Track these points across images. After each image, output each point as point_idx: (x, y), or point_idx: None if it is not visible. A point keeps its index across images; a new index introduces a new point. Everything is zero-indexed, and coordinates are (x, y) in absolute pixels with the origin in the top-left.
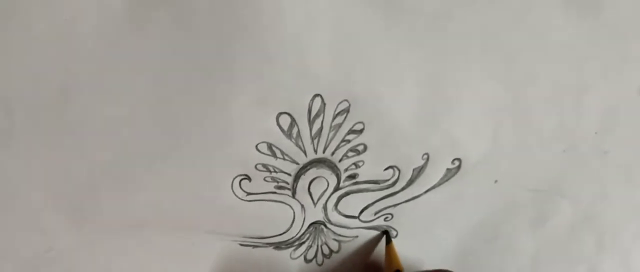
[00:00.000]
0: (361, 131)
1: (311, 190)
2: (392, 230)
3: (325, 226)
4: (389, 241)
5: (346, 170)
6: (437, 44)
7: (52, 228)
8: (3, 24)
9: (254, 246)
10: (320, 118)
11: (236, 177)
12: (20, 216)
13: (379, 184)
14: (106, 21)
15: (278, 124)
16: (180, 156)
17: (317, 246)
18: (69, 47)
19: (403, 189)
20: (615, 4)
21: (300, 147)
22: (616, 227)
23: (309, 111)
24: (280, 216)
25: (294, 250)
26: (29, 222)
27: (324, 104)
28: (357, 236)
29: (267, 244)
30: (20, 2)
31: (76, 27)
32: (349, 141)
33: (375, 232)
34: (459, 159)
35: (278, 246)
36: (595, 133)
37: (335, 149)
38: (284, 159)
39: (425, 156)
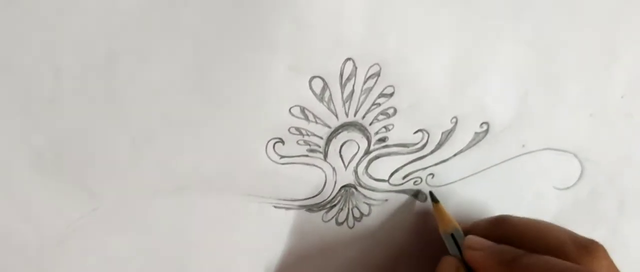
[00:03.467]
0: (391, 95)
1: (342, 153)
2: (422, 194)
3: (356, 189)
4: (435, 201)
5: (376, 133)
6: (468, 9)
7: (98, 189)
8: None
9: (287, 209)
10: (352, 82)
11: (270, 140)
12: (67, 176)
13: (408, 147)
14: None
15: (310, 88)
16: (217, 121)
17: (348, 209)
18: (114, 14)
19: (432, 152)
20: None
21: (332, 111)
22: (638, 191)
23: (341, 75)
24: (312, 179)
25: (326, 212)
26: (76, 183)
27: (355, 67)
28: (386, 200)
29: (300, 206)
30: None
31: None
32: (379, 105)
33: (404, 196)
34: (487, 123)
35: (310, 208)
36: (622, 97)
37: (366, 113)
38: (316, 122)
39: (454, 120)
